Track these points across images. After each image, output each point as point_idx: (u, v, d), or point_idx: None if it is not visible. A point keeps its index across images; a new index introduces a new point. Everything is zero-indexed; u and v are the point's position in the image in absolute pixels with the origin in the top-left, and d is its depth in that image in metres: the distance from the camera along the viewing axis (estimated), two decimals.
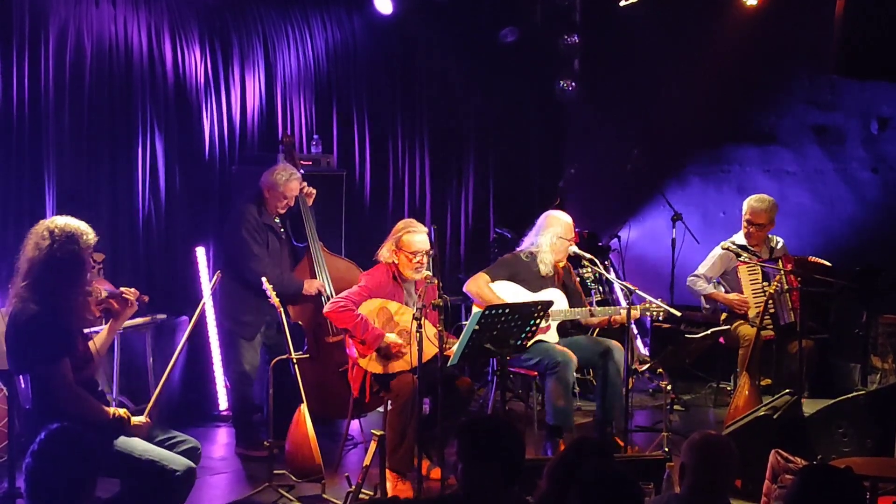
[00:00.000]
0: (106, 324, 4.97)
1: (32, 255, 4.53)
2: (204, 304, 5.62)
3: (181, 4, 7.78)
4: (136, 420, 4.65)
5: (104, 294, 4.87)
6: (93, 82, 7.34)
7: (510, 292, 6.65)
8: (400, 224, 6.31)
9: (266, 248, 6.61)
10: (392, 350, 6.00)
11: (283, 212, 6.72)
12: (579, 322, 6.87)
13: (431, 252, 6.17)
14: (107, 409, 4.63)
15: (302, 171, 7.03)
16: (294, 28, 8.48)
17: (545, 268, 6.75)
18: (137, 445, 4.55)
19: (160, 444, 4.68)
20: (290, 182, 6.62)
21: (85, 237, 4.61)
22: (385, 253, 6.24)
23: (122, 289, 4.95)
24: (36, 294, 4.47)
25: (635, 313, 6.36)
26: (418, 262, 6.15)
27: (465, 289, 6.77)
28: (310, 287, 6.66)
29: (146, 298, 5.05)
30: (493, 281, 6.68)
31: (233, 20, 8.09)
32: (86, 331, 4.84)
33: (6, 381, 5.78)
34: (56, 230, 4.55)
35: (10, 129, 6.95)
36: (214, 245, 7.81)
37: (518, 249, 6.95)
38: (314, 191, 6.96)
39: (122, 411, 4.64)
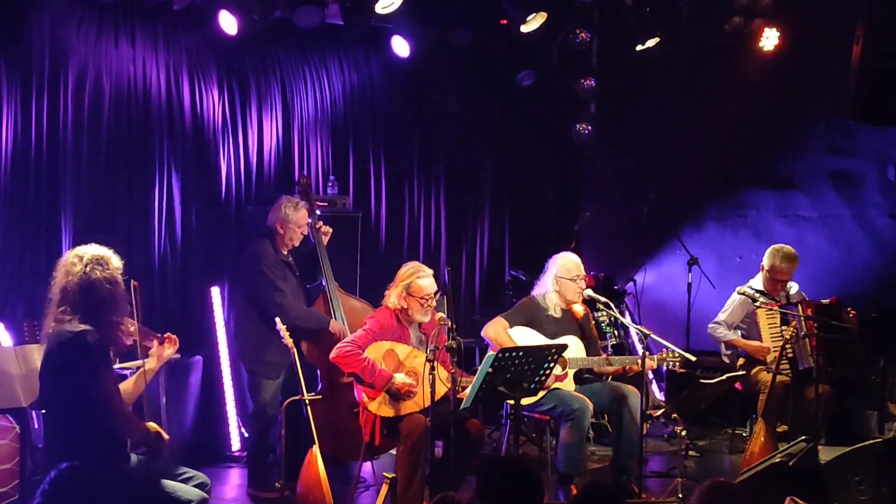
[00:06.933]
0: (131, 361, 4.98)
1: (65, 281, 4.57)
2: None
3: (200, 46, 7.84)
4: (165, 436, 4.73)
5: (133, 328, 4.84)
6: (111, 123, 7.39)
7: (527, 338, 6.62)
8: (407, 270, 6.26)
9: (285, 282, 6.62)
10: (402, 391, 5.96)
11: (297, 244, 6.75)
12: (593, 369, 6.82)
13: (438, 292, 6.18)
14: (145, 424, 4.69)
15: (319, 211, 7.06)
16: (311, 70, 8.51)
17: (555, 309, 6.73)
18: (152, 481, 4.54)
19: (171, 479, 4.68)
20: (298, 211, 6.72)
21: (112, 260, 4.68)
22: (394, 300, 6.21)
23: (166, 335, 4.96)
24: (76, 314, 4.50)
25: (651, 363, 6.33)
26: (429, 304, 6.17)
27: (483, 333, 6.71)
28: (335, 326, 6.66)
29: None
30: (511, 326, 6.64)
31: (251, 62, 8.14)
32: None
33: (19, 420, 5.78)
34: (85, 256, 4.62)
35: (28, 168, 7.02)
36: (229, 285, 7.81)
37: (533, 293, 6.92)
38: (330, 229, 6.98)
39: (154, 426, 4.70)
